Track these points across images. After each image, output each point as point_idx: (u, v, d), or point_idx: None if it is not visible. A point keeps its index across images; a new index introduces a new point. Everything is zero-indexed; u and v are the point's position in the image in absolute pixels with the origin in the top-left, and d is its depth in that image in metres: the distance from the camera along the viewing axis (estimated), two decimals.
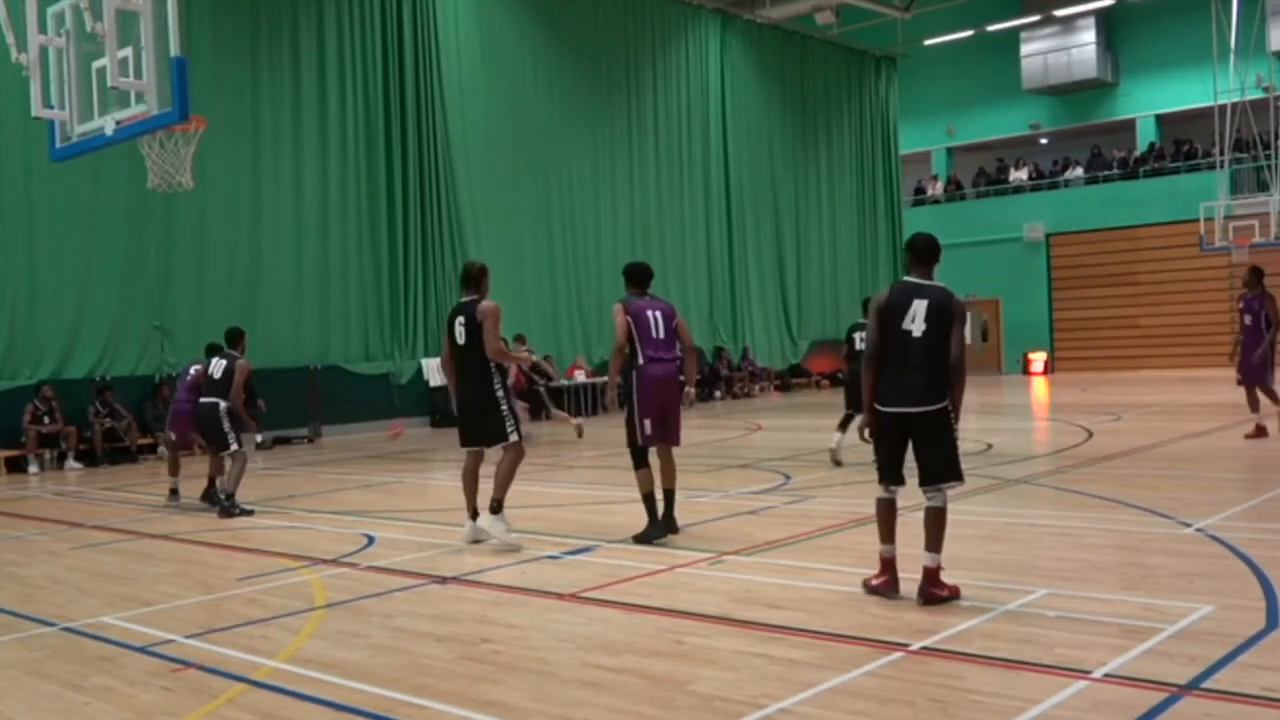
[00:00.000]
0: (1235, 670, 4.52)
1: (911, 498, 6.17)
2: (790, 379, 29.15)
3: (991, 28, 30.58)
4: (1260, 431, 12.82)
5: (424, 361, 20.86)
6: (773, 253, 29.29)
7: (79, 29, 6.96)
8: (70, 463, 15.87)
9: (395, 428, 16.24)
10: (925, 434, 5.82)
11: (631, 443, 7.97)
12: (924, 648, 5.00)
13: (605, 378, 8.89)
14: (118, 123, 6.86)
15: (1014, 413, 19.85)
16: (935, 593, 5.75)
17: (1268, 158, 26.48)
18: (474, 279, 8.04)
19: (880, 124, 32.97)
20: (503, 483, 7.84)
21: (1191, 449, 12.33)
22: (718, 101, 27.91)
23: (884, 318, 5.92)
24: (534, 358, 20.19)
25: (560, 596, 6.35)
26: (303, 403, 18.92)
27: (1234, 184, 28.08)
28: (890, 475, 5.97)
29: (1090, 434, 14.27)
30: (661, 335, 7.97)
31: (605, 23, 25.16)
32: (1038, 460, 12.20)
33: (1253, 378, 12.95)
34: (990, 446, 13.18)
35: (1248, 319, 13.00)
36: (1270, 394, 12.89)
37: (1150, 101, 32.13)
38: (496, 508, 7.82)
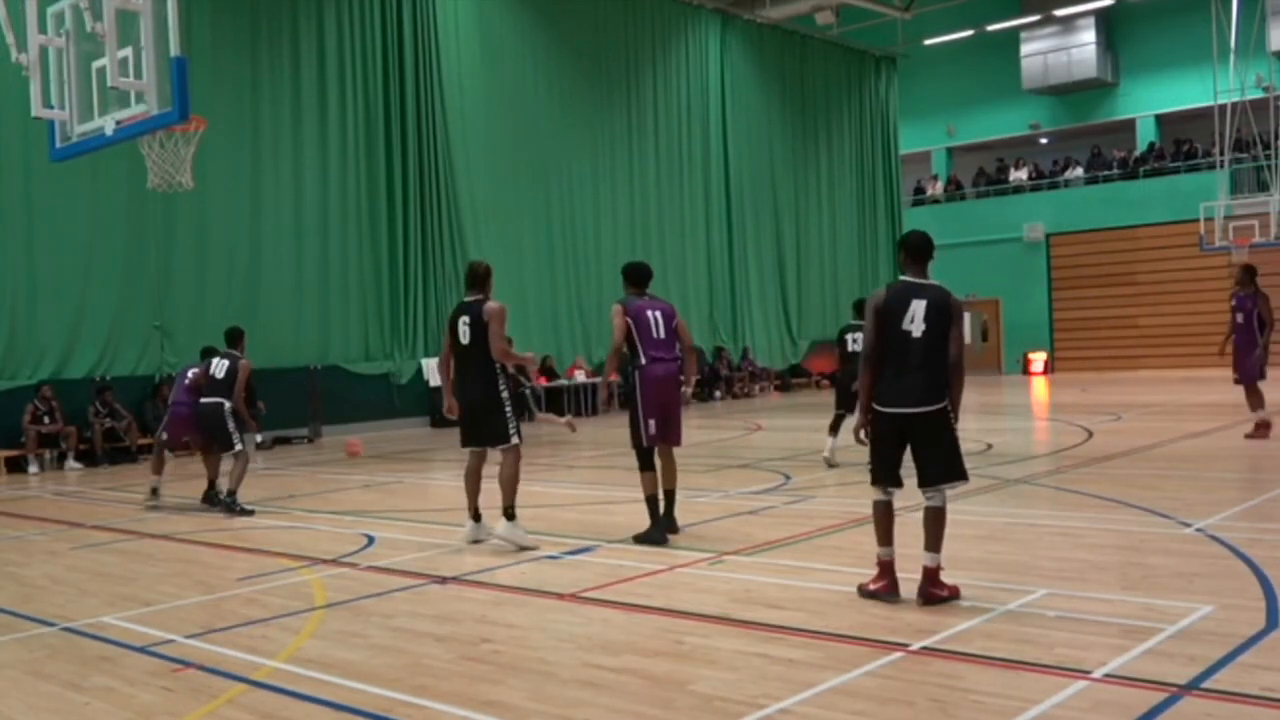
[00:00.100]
0: (1235, 670, 4.52)
1: (910, 498, 6.17)
2: (790, 379, 29.16)
3: (991, 28, 30.58)
4: (1261, 428, 12.84)
5: (424, 361, 20.86)
6: (773, 253, 29.29)
7: (79, 29, 6.95)
8: (70, 463, 15.87)
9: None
10: (925, 434, 5.81)
11: (636, 444, 7.96)
12: (924, 648, 5.00)
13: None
14: (118, 123, 6.86)
15: (1014, 413, 19.85)
16: (935, 593, 5.74)
17: (1268, 158, 26.49)
18: (480, 279, 8.01)
19: (880, 124, 32.98)
20: (510, 488, 7.81)
21: (1191, 449, 12.33)
22: (718, 101, 27.91)
23: (882, 318, 5.89)
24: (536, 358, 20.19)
25: (560, 596, 6.35)
26: (303, 403, 18.93)
27: (1234, 184, 28.09)
28: (887, 477, 5.92)
29: (1090, 434, 14.27)
30: (662, 335, 7.98)
31: (605, 23, 25.16)
32: (1038, 460, 12.20)
33: (1250, 376, 12.96)
34: (990, 446, 13.18)
35: (1239, 318, 13.01)
36: (1256, 395, 12.87)
37: (1150, 101, 32.14)
38: (510, 514, 7.80)
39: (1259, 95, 26.91)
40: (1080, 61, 31.85)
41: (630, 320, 7.92)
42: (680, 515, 8.26)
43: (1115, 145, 32.88)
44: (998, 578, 6.28)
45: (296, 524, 9.65)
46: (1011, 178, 34.18)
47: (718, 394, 25.69)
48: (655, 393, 7.88)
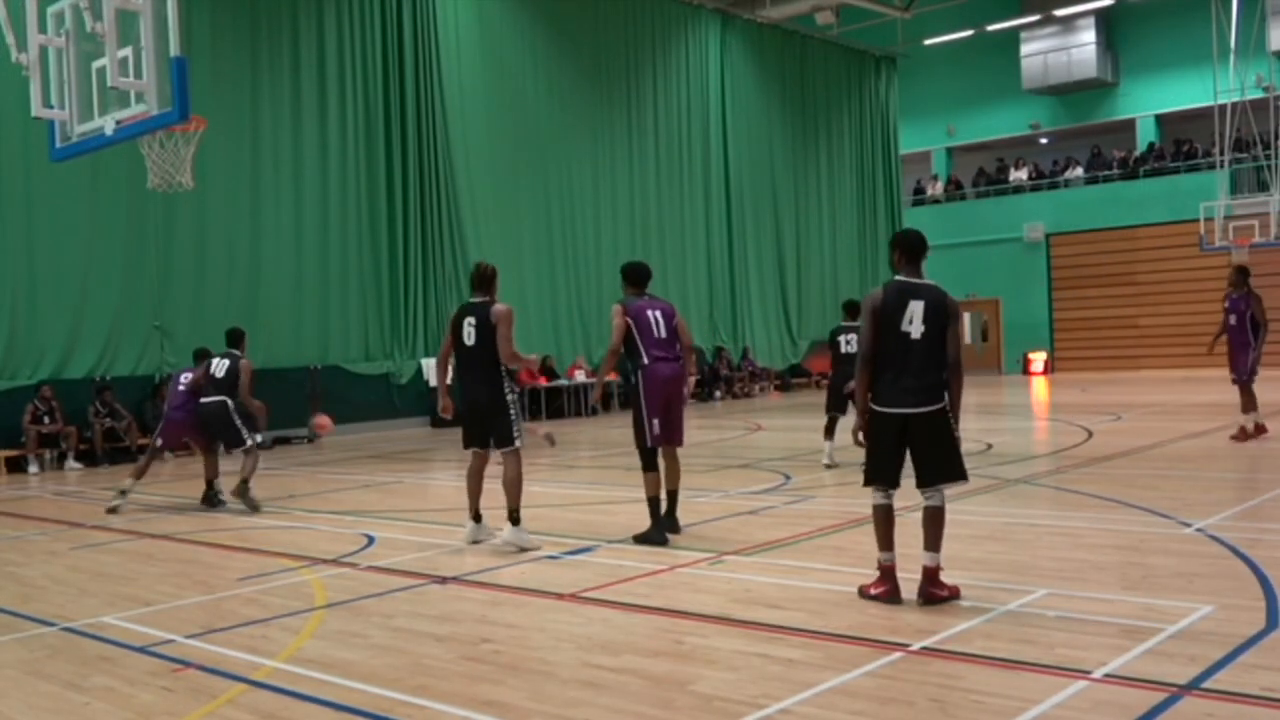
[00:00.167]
0: (1235, 670, 4.52)
1: (909, 498, 6.17)
2: (790, 379, 29.16)
3: (991, 28, 30.58)
4: (1259, 430, 12.83)
5: (424, 361, 20.86)
6: (773, 253, 29.29)
7: (79, 29, 6.96)
8: (70, 463, 15.87)
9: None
10: (926, 434, 5.79)
11: (640, 444, 7.96)
12: (924, 648, 5.00)
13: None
14: (118, 123, 6.86)
15: (1014, 413, 19.85)
16: (935, 593, 5.74)
17: (1267, 158, 26.48)
18: (486, 280, 7.96)
19: (880, 124, 32.98)
20: (514, 492, 7.78)
21: (1191, 449, 12.33)
22: (718, 101, 27.91)
23: (880, 320, 5.86)
24: (537, 359, 20.20)
25: (560, 596, 6.35)
26: (303, 403, 18.91)
27: (1234, 184, 28.09)
28: (885, 478, 5.89)
29: (1090, 434, 14.27)
30: (663, 335, 7.97)
31: (605, 23, 25.16)
32: (1038, 460, 12.20)
33: (1245, 376, 12.97)
34: (990, 446, 13.18)
35: (1232, 319, 13.01)
36: (1249, 397, 12.87)
37: (1150, 101, 32.14)
38: (516, 519, 7.79)
39: (1259, 95, 26.92)
40: (1080, 61, 31.86)
41: (630, 320, 7.91)
42: (681, 515, 8.26)
43: (1115, 145, 32.89)
44: (998, 578, 6.28)
45: (296, 524, 9.65)
46: (1011, 178, 34.18)
47: (718, 394, 25.69)
48: (660, 392, 7.87)
